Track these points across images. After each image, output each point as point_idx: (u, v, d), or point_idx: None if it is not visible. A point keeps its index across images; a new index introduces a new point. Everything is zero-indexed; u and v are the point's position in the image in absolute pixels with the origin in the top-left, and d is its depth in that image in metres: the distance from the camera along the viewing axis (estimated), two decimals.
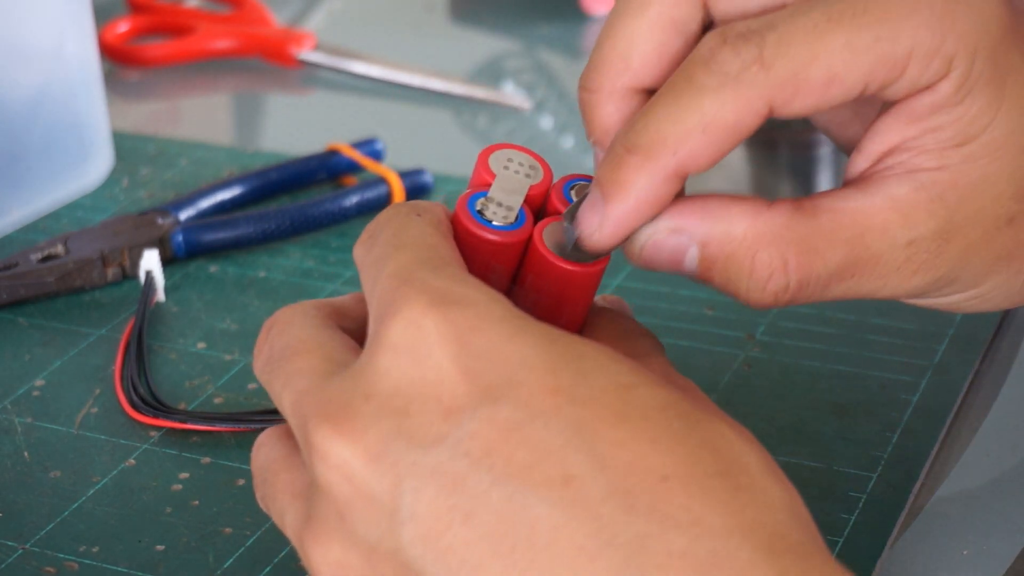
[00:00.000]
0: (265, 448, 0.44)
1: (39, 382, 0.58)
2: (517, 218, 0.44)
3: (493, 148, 0.45)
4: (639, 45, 0.44)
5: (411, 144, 0.78)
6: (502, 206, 0.44)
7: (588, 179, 0.45)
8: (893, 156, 0.43)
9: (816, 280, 0.43)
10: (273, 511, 0.43)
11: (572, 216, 0.43)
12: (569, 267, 0.43)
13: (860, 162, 0.44)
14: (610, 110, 0.44)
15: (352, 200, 0.68)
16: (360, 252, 0.44)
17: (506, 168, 0.45)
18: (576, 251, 0.43)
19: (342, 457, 0.40)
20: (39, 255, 0.64)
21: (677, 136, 0.42)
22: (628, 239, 0.43)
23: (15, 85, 0.68)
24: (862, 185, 0.44)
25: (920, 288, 0.44)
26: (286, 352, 0.43)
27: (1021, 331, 0.60)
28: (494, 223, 0.43)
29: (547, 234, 0.44)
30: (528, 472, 0.38)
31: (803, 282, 0.43)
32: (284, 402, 0.42)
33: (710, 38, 0.42)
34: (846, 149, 0.47)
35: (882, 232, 0.43)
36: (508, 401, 0.39)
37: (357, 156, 0.72)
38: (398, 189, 0.69)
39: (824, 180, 0.86)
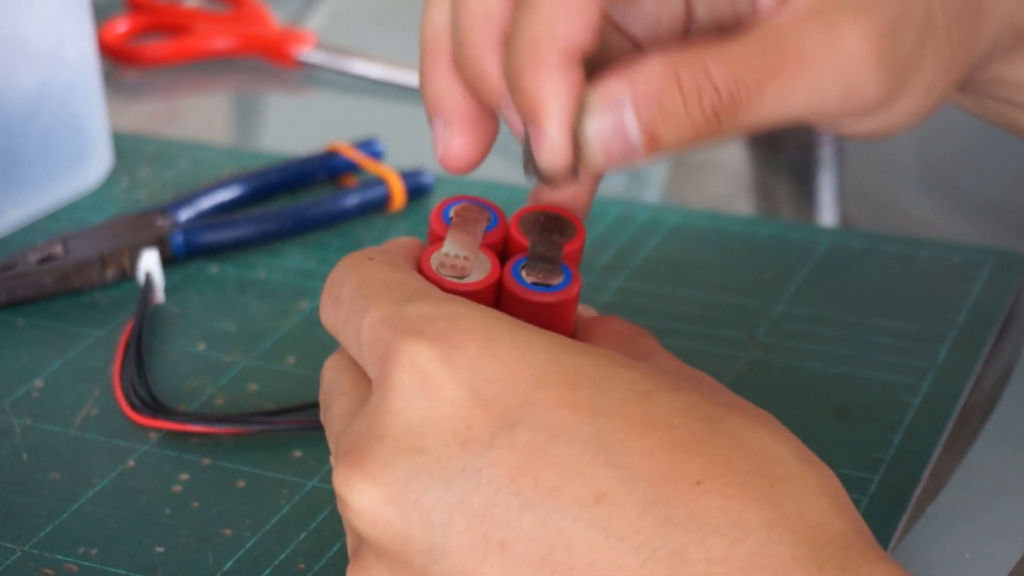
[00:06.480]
0: (329, 371, 0.44)
1: (38, 383, 0.58)
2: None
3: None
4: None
5: (411, 144, 0.77)
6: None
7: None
8: None
9: (746, 86, 0.42)
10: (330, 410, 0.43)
11: (529, 165, 0.43)
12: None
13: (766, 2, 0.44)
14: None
15: (352, 200, 0.68)
16: (328, 315, 0.43)
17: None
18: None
19: (362, 504, 0.39)
20: (38, 256, 0.64)
21: (549, 27, 0.42)
22: (581, 144, 0.43)
23: (14, 85, 0.68)
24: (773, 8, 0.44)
25: (866, 87, 0.43)
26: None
27: (1023, 333, 0.60)
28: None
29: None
30: (558, 493, 0.38)
31: (733, 90, 0.42)
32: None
33: None
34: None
35: (798, 33, 0.43)
36: (526, 424, 0.38)
37: (357, 156, 0.72)
38: (398, 189, 0.69)
39: (826, 180, 0.86)
